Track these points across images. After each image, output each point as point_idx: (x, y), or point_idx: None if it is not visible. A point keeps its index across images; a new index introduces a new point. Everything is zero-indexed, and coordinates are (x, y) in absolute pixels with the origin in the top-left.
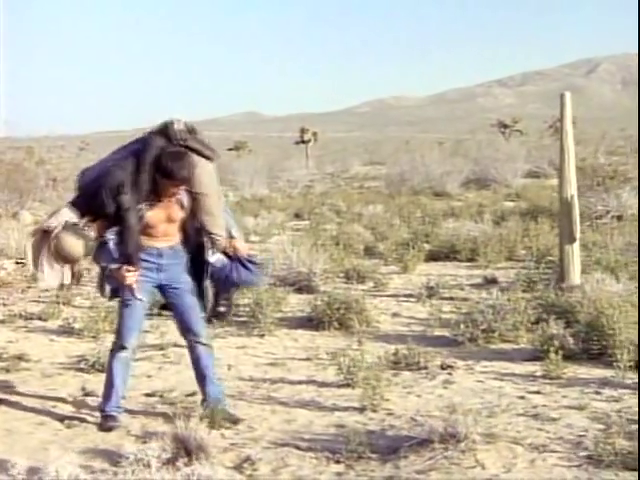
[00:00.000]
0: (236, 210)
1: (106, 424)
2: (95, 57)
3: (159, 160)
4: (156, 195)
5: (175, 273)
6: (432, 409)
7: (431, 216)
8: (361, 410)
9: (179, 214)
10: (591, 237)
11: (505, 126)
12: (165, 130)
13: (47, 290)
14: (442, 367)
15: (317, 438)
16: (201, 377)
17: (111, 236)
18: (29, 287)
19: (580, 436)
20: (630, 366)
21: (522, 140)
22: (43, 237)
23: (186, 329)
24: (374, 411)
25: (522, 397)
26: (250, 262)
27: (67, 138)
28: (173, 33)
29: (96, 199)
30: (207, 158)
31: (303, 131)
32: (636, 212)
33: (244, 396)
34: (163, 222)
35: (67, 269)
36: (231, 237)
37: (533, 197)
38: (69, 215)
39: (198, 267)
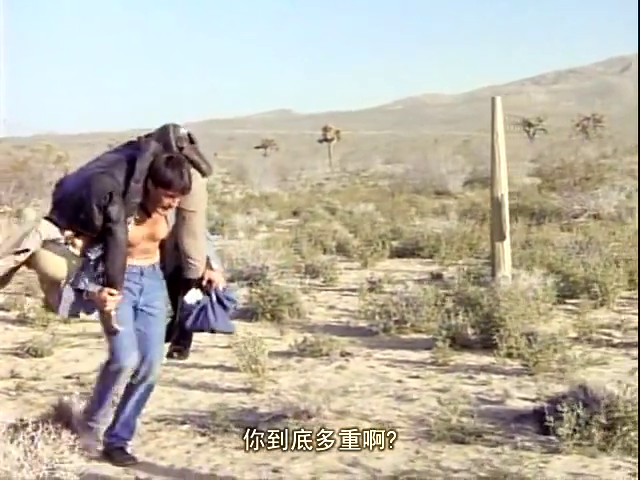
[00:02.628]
0: (238, 207)
1: (85, 429)
2: (114, 53)
3: (155, 167)
4: (144, 209)
5: (153, 297)
6: (306, 390)
7: (420, 214)
8: (248, 391)
9: (164, 232)
10: (544, 235)
11: (529, 125)
12: (163, 135)
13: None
14: (342, 354)
15: (196, 415)
16: (122, 412)
17: (92, 254)
18: None
19: (427, 414)
20: (510, 354)
21: (546, 138)
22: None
23: (143, 359)
24: (260, 392)
25: (399, 381)
26: (227, 298)
27: (71, 137)
28: (204, 30)
29: (80, 211)
30: (202, 173)
31: (326, 129)
32: (612, 211)
33: (162, 380)
34: (145, 240)
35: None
36: (209, 267)
37: (528, 195)
38: (48, 231)
39: (174, 291)
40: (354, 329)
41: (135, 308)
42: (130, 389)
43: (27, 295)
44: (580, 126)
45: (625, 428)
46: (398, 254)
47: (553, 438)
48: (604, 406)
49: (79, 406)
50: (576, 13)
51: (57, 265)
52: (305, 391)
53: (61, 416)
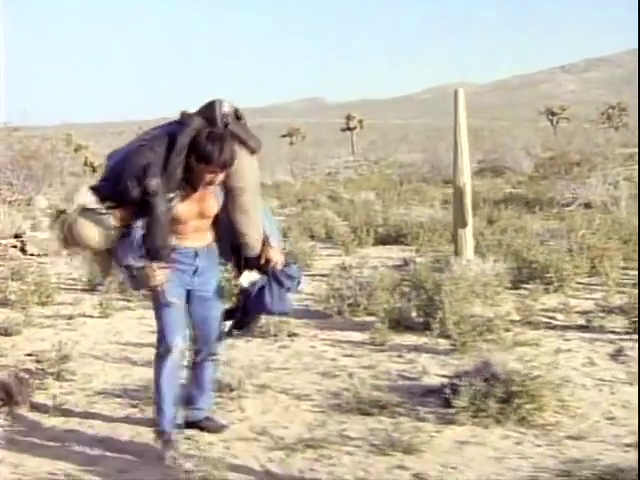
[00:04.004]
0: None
1: (162, 441)
2: (143, 40)
3: (196, 141)
4: (190, 184)
5: (208, 278)
6: (230, 365)
7: (420, 203)
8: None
9: (214, 209)
10: (522, 223)
11: (553, 113)
12: (207, 111)
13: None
14: (288, 335)
15: (135, 389)
16: (198, 388)
17: (135, 229)
18: None
19: (344, 389)
20: (442, 334)
21: (569, 127)
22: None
23: (202, 344)
24: None
25: (333, 359)
26: (286, 275)
27: (80, 126)
28: (234, 17)
29: (118, 183)
30: (250, 149)
31: (349, 118)
32: (603, 200)
33: (107, 357)
34: (195, 217)
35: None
36: (268, 245)
37: (533, 185)
38: (87, 198)
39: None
40: (312, 312)
41: (190, 291)
42: (196, 366)
43: (13, 279)
44: (605, 115)
45: (520, 401)
46: (382, 241)
47: (452, 410)
48: (502, 380)
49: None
50: (606, 1)
51: (93, 233)
52: (230, 366)
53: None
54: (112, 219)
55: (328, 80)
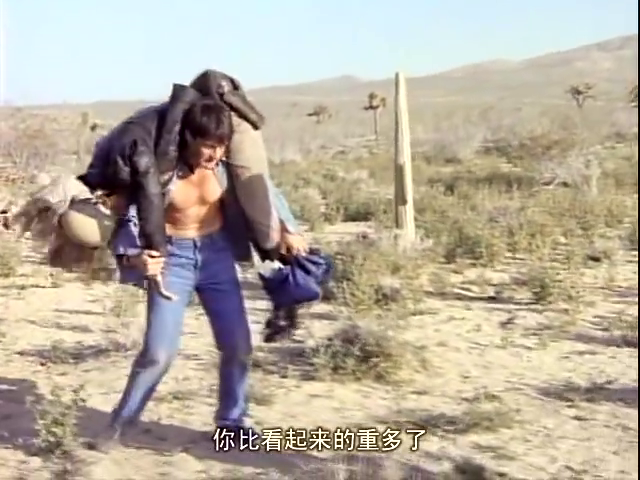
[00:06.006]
0: None
1: (107, 430)
2: (175, 16)
3: (190, 115)
4: (186, 164)
5: (217, 270)
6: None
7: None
8: (107, 332)
9: (215, 193)
10: (479, 202)
11: (578, 92)
12: (200, 82)
13: None
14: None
15: (46, 349)
16: (225, 395)
17: (127, 215)
18: None
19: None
20: (345, 302)
21: (597, 106)
22: (41, 218)
23: (225, 342)
24: (113, 332)
25: None
26: (311, 262)
27: (84, 106)
28: None
29: (107, 165)
30: (251, 123)
31: (372, 97)
32: (576, 180)
33: (40, 322)
34: (195, 204)
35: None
36: (285, 231)
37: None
38: (77, 188)
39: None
40: (249, 283)
41: (198, 287)
42: (223, 372)
43: None
44: (633, 93)
45: (376, 360)
46: (352, 218)
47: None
48: (362, 342)
49: None
50: None
51: (88, 227)
52: (127, 328)
53: None
54: (106, 208)
55: (360, 57)
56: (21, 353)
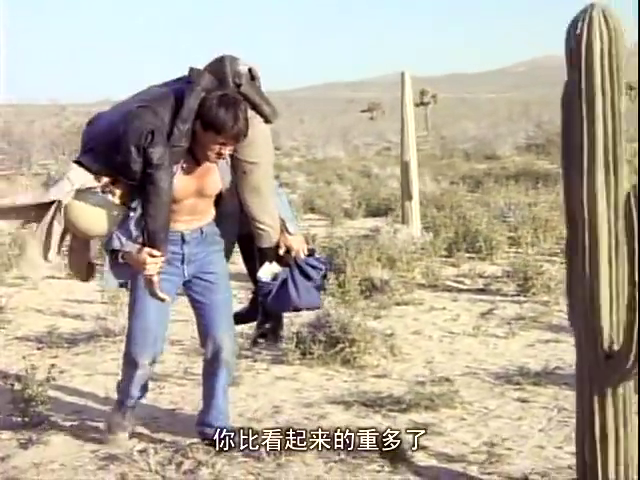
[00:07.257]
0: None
1: (110, 422)
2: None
3: (205, 105)
4: (193, 156)
5: (206, 262)
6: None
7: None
8: (102, 319)
9: (216, 187)
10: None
11: (631, 87)
12: (218, 67)
13: None
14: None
15: (49, 336)
16: (208, 395)
17: (130, 207)
18: None
19: None
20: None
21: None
22: (39, 215)
23: (207, 334)
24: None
25: None
26: (311, 266)
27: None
28: None
29: (116, 153)
30: (265, 117)
31: (423, 93)
32: None
33: (47, 310)
34: (192, 196)
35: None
36: (286, 232)
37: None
38: (81, 178)
39: (252, 266)
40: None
41: (185, 283)
42: (206, 370)
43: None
44: None
45: (342, 345)
46: (373, 213)
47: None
48: (328, 328)
49: None
50: None
51: (92, 217)
52: (116, 316)
53: None
54: (112, 197)
55: (417, 54)
56: (20, 338)
